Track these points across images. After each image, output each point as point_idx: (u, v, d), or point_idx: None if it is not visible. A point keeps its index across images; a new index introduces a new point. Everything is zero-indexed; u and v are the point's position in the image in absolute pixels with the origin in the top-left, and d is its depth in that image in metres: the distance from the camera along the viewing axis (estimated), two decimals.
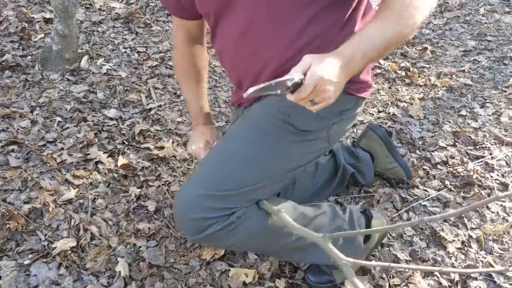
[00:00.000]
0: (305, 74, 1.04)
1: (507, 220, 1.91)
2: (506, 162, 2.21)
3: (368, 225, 1.66)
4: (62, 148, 2.07)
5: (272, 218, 1.39)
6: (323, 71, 1.04)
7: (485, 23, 3.53)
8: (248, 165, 1.34)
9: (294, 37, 1.28)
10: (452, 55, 3.17)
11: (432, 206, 1.96)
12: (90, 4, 3.32)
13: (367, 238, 1.64)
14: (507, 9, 3.67)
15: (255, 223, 1.38)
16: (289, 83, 1.03)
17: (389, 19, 1.14)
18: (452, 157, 2.22)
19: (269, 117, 1.36)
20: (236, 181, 1.32)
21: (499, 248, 1.81)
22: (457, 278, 1.68)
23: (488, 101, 2.69)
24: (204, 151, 1.61)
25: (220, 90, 2.66)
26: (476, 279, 1.68)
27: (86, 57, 2.69)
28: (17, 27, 2.91)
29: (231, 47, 1.40)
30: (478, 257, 1.76)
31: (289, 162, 1.40)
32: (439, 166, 2.17)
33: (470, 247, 1.80)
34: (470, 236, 1.84)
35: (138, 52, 2.88)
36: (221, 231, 1.33)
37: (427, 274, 1.69)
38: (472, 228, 1.87)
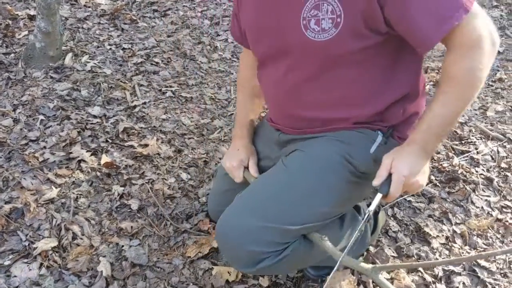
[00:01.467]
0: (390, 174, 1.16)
1: (491, 215, 1.91)
2: (492, 156, 2.21)
3: (376, 220, 1.72)
4: (44, 147, 2.05)
5: (314, 246, 1.37)
6: (404, 168, 1.15)
7: None
8: (313, 200, 1.30)
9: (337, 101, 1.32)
10: (439, 50, 3.16)
11: (417, 202, 1.96)
12: (75, 1, 3.29)
13: (373, 230, 1.70)
14: (495, 3, 3.67)
15: (302, 253, 1.35)
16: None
17: (454, 89, 1.14)
18: (438, 152, 2.21)
19: (333, 154, 1.32)
20: (299, 217, 1.28)
21: (483, 243, 1.81)
22: (441, 273, 1.68)
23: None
24: (237, 170, 1.55)
25: (206, 87, 2.64)
26: (460, 274, 1.68)
27: (70, 54, 2.66)
28: (0, 24, 2.87)
29: (272, 89, 1.43)
30: (462, 252, 1.76)
31: (344, 202, 1.39)
32: None
33: (455, 242, 1.80)
34: (455, 231, 1.84)
35: (124, 48, 2.85)
36: (274, 265, 1.29)
37: (411, 270, 1.69)
38: (456, 223, 1.87)
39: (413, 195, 1.98)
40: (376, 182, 1.18)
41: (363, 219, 1.23)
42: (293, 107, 1.39)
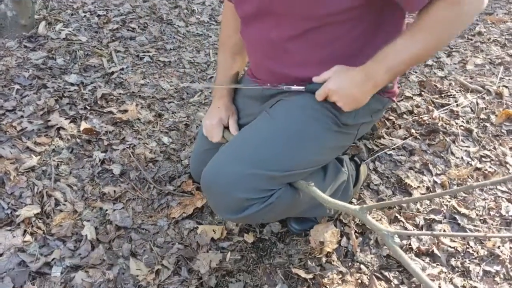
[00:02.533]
0: None
1: (471, 165, 1.94)
2: (471, 108, 2.23)
3: (357, 172, 1.75)
4: (22, 116, 2.01)
5: (300, 193, 1.38)
6: (333, 83, 1.23)
7: None
8: (299, 148, 1.31)
9: (321, 57, 1.32)
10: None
11: (398, 155, 1.98)
12: None
13: (355, 182, 1.73)
14: None
15: (288, 201, 1.36)
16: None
17: (420, 34, 1.13)
18: (418, 106, 2.23)
19: (316, 104, 1.32)
20: (284, 163, 1.29)
21: (463, 192, 1.84)
22: (422, 222, 1.71)
23: (454, 49, 2.69)
24: (216, 128, 1.54)
25: (184, 51, 2.61)
26: (440, 222, 1.71)
27: (43, 22, 2.60)
28: None
29: (256, 47, 1.42)
30: (443, 201, 1.80)
31: (328, 152, 1.40)
32: (404, 116, 2.18)
33: (435, 192, 1.83)
34: (435, 182, 1.87)
35: (99, 15, 2.79)
36: (259, 212, 1.30)
37: (393, 220, 1.72)
38: (436, 174, 1.90)
39: (393, 149, 2.00)
40: (315, 79, 1.29)
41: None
42: (277, 65, 1.38)
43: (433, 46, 1.17)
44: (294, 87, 1.34)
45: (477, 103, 2.25)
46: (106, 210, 1.70)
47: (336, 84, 1.23)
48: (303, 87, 1.33)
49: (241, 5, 1.38)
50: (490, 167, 1.94)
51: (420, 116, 2.16)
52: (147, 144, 1.99)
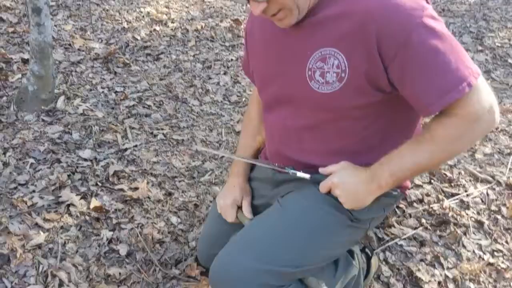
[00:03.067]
0: None
1: (483, 259, 1.90)
2: (482, 199, 2.22)
3: (368, 264, 1.71)
4: (33, 191, 2.03)
5: None
6: (337, 178, 1.27)
7: None
8: (312, 243, 1.31)
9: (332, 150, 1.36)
10: None
11: (409, 245, 1.95)
12: (69, 45, 3.34)
13: (366, 275, 1.69)
14: (479, 48, 3.77)
15: None
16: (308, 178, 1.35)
17: (428, 145, 1.17)
18: (428, 195, 2.22)
19: (329, 198, 1.34)
20: (295, 259, 1.28)
21: None
22: None
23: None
24: (230, 209, 1.54)
25: (197, 129, 2.66)
26: None
27: (62, 97, 2.68)
28: None
29: (273, 131, 1.47)
30: None
31: (340, 246, 1.40)
32: (415, 204, 2.17)
33: (447, 287, 1.78)
34: (447, 276, 1.82)
35: (116, 92, 2.88)
36: None
37: None
38: (448, 268, 1.86)
39: (404, 239, 1.97)
40: (321, 170, 1.32)
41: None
42: (291, 151, 1.41)
43: (439, 159, 1.21)
44: (300, 173, 1.35)
45: (488, 194, 2.25)
46: None
47: (341, 179, 1.26)
48: (308, 175, 1.34)
49: (264, 90, 1.44)
50: (502, 262, 1.90)
51: (430, 206, 2.15)
52: (155, 224, 1.98)
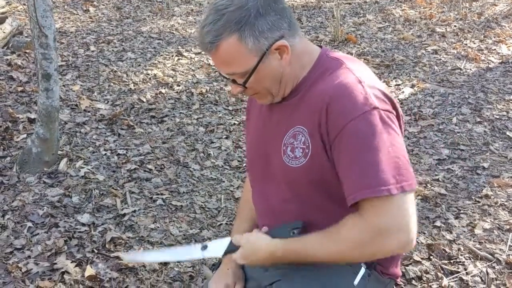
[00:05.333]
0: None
1: None
2: (481, 278, 2.19)
3: None
4: (29, 256, 2.02)
5: None
6: (242, 260, 1.33)
7: (458, 132, 3.66)
8: None
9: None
10: (426, 163, 3.25)
11: None
12: (76, 105, 3.42)
13: None
14: (478, 119, 3.82)
15: None
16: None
17: (327, 242, 1.20)
18: (427, 272, 2.19)
19: (316, 286, 1.33)
20: None
21: None
22: None
23: (462, 211, 2.72)
24: None
25: (197, 195, 2.67)
26: None
27: (65, 159, 2.72)
28: (0, 126, 2.96)
29: (258, 206, 1.51)
30: None
31: None
32: (413, 282, 2.14)
33: None
34: None
35: (118, 154, 2.92)
36: None
37: None
38: None
39: None
40: (233, 239, 1.36)
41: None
42: (272, 225, 1.42)
43: (336, 257, 1.21)
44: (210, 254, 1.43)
45: (487, 273, 2.22)
46: None
47: (241, 258, 1.33)
48: (221, 255, 1.41)
49: (250, 165, 1.49)
50: None
51: (429, 284, 2.11)
52: None
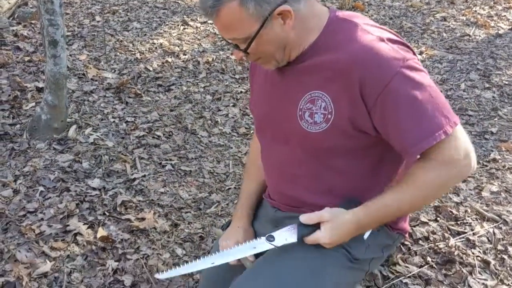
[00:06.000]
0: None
1: None
2: (488, 238, 2.21)
3: None
4: (42, 219, 2.06)
5: None
6: (328, 238, 1.24)
7: (466, 98, 3.64)
8: (310, 286, 1.30)
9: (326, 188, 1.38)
10: None
11: (414, 284, 1.94)
12: (83, 74, 3.43)
13: None
14: (487, 85, 3.80)
15: None
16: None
17: (409, 190, 1.22)
18: (434, 233, 2.22)
19: None
20: None
21: None
22: None
23: (470, 175, 2.73)
24: None
25: (205, 161, 2.69)
26: None
27: (74, 126, 2.74)
28: (9, 95, 2.98)
29: (270, 168, 1.50)
30: None
31: (342, 287, 1.39)
32: (420, 242, 2.16)
33: None
34: None
35: (127, 122, 2.93)
36: None
37: None
38: None
39: (409, 277, 1.96)
40: (302, 218, 1.27)
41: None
42: (286, 187, 1.44)
43: (420, 202, 1.25)
44: (285, 242, 1.32)
45: (494, 233, 2.24)
46: None
47: (329, 238, 1.26)
48: (295, 239, 1.31)
49: (260, 129, 1.49)
50: None
51: (436, 244, 2.14)
52: (160, 255, 1.99)
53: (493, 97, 3.66)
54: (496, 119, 3.38)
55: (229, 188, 2.50)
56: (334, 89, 1.22)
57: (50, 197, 2.19)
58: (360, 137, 1.24)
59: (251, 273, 1.43)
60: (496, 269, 2.04)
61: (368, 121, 1.21)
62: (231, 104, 3.36)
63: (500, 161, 2.88)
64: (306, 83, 1.28)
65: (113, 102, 3.17)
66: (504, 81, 3.87)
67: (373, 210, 1.24)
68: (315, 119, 1.26)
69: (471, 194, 2.56)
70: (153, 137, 2.82)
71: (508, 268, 2.05)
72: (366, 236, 1.37)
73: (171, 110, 3.16)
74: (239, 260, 1.54)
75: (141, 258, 1.96)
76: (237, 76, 3.79)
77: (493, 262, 2.07)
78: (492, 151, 2.99)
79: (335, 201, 1.37)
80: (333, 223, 1.26)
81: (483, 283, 1.96)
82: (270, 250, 1.44)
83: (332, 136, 1.25)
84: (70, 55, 3.64)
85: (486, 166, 2.84)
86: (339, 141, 1.26)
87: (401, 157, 1.39)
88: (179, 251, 2.03)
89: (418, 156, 1.22)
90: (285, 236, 1.30)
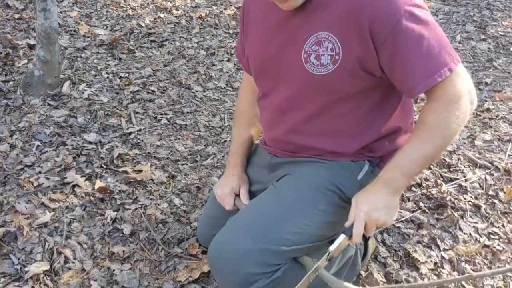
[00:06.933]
0: None
1: (479, 241, 1.94)
2: (480, 184, 2.25)
3: (366, 245, 1.74)
4: (39, 172, 2.08)
5: (306, 269, 1.38)
6: (363, 206, 1.23)
7: (462, 49, 3.63)
8: (303, 223, 1.34)
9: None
10: None
11: (406, 228, 1.99)
12: (75, 31, 3.38)
13: (363, 256, 1.72)
14: (482, 36, 3.77)
15: (294, 276, 1.36)
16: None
17: (426, 135, 1.23)
18: (427, 180, 2.25)
19: (323, 180, 1.38)
20: (292, 238, 1.32)
21: (471, 269, 1.83)
22: None
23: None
24: (228, 197, 1.57)
25: (200, 115, 2.70)
26: None
27: (68, 82, 2.72)
28: (1, 52, 2.94)
29: (269, 115, 1.50)
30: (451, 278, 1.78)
31: (334, 226, 1.42)
32: (413, 188, 2.20)
33: (443, 268, 1.82)
34: (443, 257, 1.86)
35: (121, 77, 2.92)
36: (265, 286, 1.31)
37: None
38: (444, 249, 1.90)
39: (402, 221, 2.01)
40: (347, 223, 1.26)
41: (327, 255, 1.26)
42: (286, 132, 1.45)
43: (441, 144, 1.25)
44: (335, 244, 1.27)
45: (486, 179, 2.28)
46: (114, 270, 1.71)
47: (365, 204, 1.24)
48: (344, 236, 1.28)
49: (260, 75, 1.48)
50: (498, 244, 1.93)
51: (429, 190, 2.18)
52: (158, 205, 2.02)
53: (489, 48, 3.65)
54: (491, 70, 3.38)
55: (225, 141, 2.52)
56: (342, 28, 1.23)
57: (46, 151, 2.20)
58: (365, 78, 1.26)
59: (247, 208, 1.47)
60: (487, 213, 2.09)
61: (375, 60, 1.22)
62: (225, 59, 3.33)
63: (494, 110, 2.90)
64: (313, 23, 1.27)
65: (106, 58, 3.14)
66: (500, 32, 3.84)
67: (395, 165, 1.25)
68: (322, 61, 1.26)
69: (464, 143, 2.59)
70: (148, 92, 2.81)
71: (499, 212, 2.10)
72: (360, 177, 1.39)
73: (165, 66, 3.14)
74: (235, 205, 1.58)
75: (139, 208, 1.99)
76: (230, 31, 3.75)
77: (484, 206, 2.12)
78: (486, 101, 3.00)
79: (336, 144, 1.40)
80: (359, 194, 1.27)
81: (473, 226, 2.02)
82: (266, 190, 1.47)
83: (338, 78, 1.26)
84: (61, 12, 3.58)
85: (480, 115, 2.86)
86: (344, 83, 1.27)
87: (400, 99, 1.40)
88: (176, 201, 2.06)
89: (426, 101, 1.25)
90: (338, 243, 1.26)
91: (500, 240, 1.96)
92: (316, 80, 1.29)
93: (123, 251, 1.79)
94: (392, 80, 1.26)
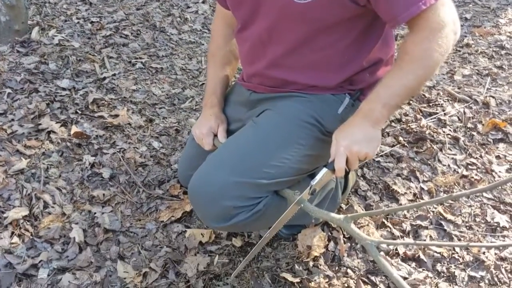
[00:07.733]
0: None
1: (457, 172, 1.97)
2: (458, 117, 2.26)
3: (346, 179, 1.75)
4: (12, 120, 2.02)
5: (287, 202, 1.38)
6: (343, 140, 1.20)
7: None
8: (283, 156, 1.32)
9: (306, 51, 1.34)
10: None
11: (386, 162, 2.00)
12: None
13: (344, 189, 1.74)
14: None
15: (276, 209, 1.37)
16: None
17: (408, 66, 1.18)
18: (406, 115, 2.26)
19: (302, 113, 1.35)
20: (270, 171, 1.30)
21: (450, 200, 1.86)
22: (408, 228, 1.73)
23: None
24: (207, 137, 1.55)
25: (176, 58, 2.63)
26: (427, 228, 1.73)
27: (37, 28, 2.61)
28: None
29: (248, 49, 1.44)
30: (429, 208, 1.82)
31: (313, 160, 1.40)
32: (393, 124, 2.21)
33: (422, 198, 1.85)
34: (422, 189, 1.89)
35: (92, 22, 2.81)
36: (246, 220, 1.31)
37: (380, 226, 1.73)
38: (424, 181, 1.92)
39: (381, 156, 2.02)
40: (330, 159, 1.24)
41: (310, 189, 1.26)
42: (266, 66, 1.41)
43: (423, 74, 1.21)
44: (317, 178, 1.27)
45: (464, 113, 2.29)
46: (95, 213, 1.70)
47: (345, 137, 1.22)
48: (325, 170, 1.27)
49: (238, 7, 1.41)
50: (476, 174, 1.96)
51: (408, 124, 2.18)
52: (137, 148, 2.00)
53: None
54: (471, 5, 3.34)
55: (202, 84, 2.47)
56: None
57: (18, 99, 2.13)
58: (348, 7, 1.21)
59: (226, 143, 1.46)
60: (465, 145, 2.11)
61: None
62: (201, 1, 3.22)
63: (473, 45, 2.88)
64: None
65: (76, 3, 3.00)
66: None
67: (375, 96, 1.22)
68: None
69: (444, 78, 2.58)
70: (121, 36, 2.72)
71: (477, 143, 2.12)
72: (340, 110, 1.38)
73: (138, 9, 3.03)
74: (214, 145, 1.56)
75: (117, 152, 1.96)
76: None
77: (462, 138, 2.14)
78: (466, 36, 2.98)
79: (316, 78, 1.37)
80: (340, 131, 1.24)
81: (452, 158, 2.04)
82: (245, 126, 1.45)
83: (319, 6, 1.21)
84: None
85: (459, 51, 2.84)
86: (326, 12, 1.22)
87: (382, 31, 1.37)
88: (155, 144, 2.04)
89: (408, 31, 1.20)
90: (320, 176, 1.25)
91: (478, 170, 1.99)
92: (297, 8, 1.24)
93: (103, 195, 1.77)
94: (376, 9, 1.21)
